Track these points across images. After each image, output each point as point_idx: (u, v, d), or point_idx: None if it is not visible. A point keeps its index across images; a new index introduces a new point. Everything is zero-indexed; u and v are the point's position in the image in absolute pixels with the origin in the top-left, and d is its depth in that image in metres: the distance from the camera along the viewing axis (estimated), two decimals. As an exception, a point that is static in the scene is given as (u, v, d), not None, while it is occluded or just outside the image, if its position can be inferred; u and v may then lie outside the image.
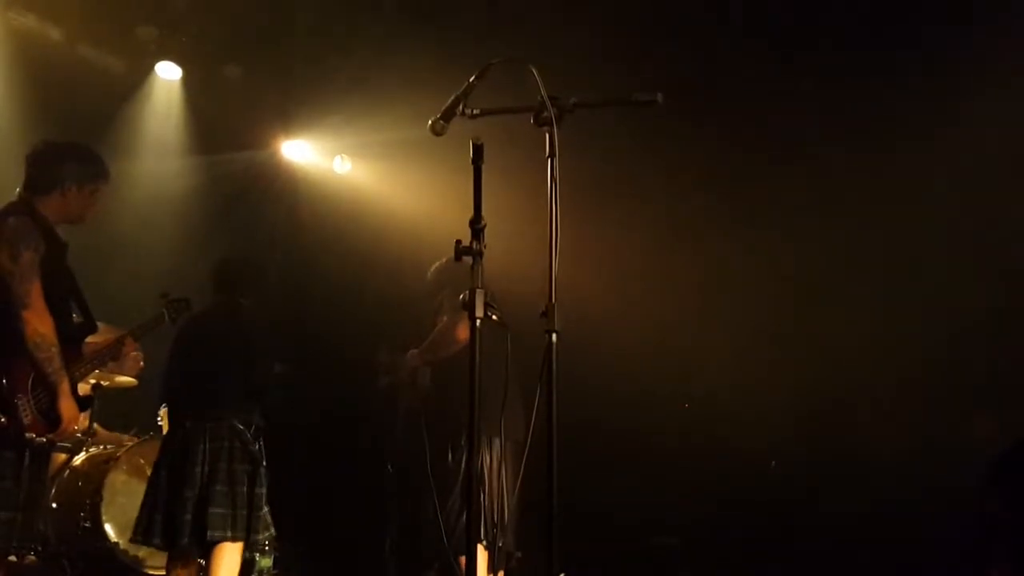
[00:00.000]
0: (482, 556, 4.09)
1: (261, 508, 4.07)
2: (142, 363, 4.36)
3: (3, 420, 3.26)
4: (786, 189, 5.38)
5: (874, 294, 5.24)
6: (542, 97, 2.62)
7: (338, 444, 5.85)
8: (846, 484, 5.01)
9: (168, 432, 4.26)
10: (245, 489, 4.04)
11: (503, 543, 4.16)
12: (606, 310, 5.28)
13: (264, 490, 4.08)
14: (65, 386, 3.40)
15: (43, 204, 3.54)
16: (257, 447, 4.14)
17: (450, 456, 4.32)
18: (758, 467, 5.25)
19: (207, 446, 4.04)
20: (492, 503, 4.17)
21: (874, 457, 4.95)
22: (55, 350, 3.37)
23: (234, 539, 4.00)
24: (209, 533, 3.93)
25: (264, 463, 4.14)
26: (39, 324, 3.34)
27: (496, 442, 4.25)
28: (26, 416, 3.31)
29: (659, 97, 2.71)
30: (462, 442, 4.14)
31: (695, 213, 5.69)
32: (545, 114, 2.62)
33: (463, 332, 4.15)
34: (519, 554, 4.32)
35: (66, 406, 3.39)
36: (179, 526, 3.94)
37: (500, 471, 4.25)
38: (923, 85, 4.92)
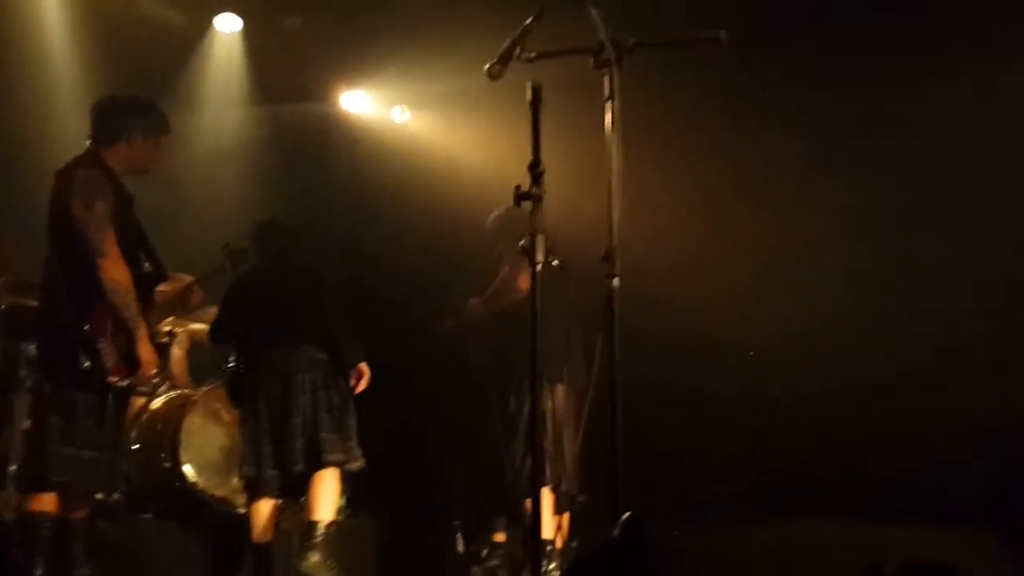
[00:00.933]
0: (547, 500, 4.17)
1: (353, 437, 4.27)
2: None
3: (87, 364, 3.40)
4: (853, 129, 5.22)
5: (953, 239, 5.06)
6: (601, 38, 2.58)
7: (406, 391, 5.95)
8: (912, 437, 4.93)
9: (249, 369, 4.35)
10: (345, 419, 4.24)
11: (566, 487, 4.22)
12: (668, 254, 5.23)
13: (354, 421, 4.26)
14: (143, 331, 3.54)
15: (109, 155, 3.64)
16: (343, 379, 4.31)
17: (513, 402, 4.36)
18: (823, 417, 5.19)
19: (305, 376, 4.19)
20: (555, 448, 4.22)
21: (948, 412, 4.84)
22: (131, 296, 3.50)
23: (344, 463, 4.18)
24: (323, 457, 4.11)
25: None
26: (115, 271, 3.46)
27: (559, 388, 4.29)
28: (108, 360, 3.45)
29: (723, 35, 2.65)
30: (524, 388, 4.18)
31: (760, 154, 5.56)
32: (604, 55, 2.58)
33: (524, 281, 4.15)
34: (583, 497, 4.37)
35: (144, 350, 3.53)
36: (292, 453, 4.11)
37: (562, 416, 4.29)
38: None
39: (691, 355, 5.52)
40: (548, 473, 4.13)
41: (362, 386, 4.37)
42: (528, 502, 4.06)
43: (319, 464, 4.14)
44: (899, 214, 5.23)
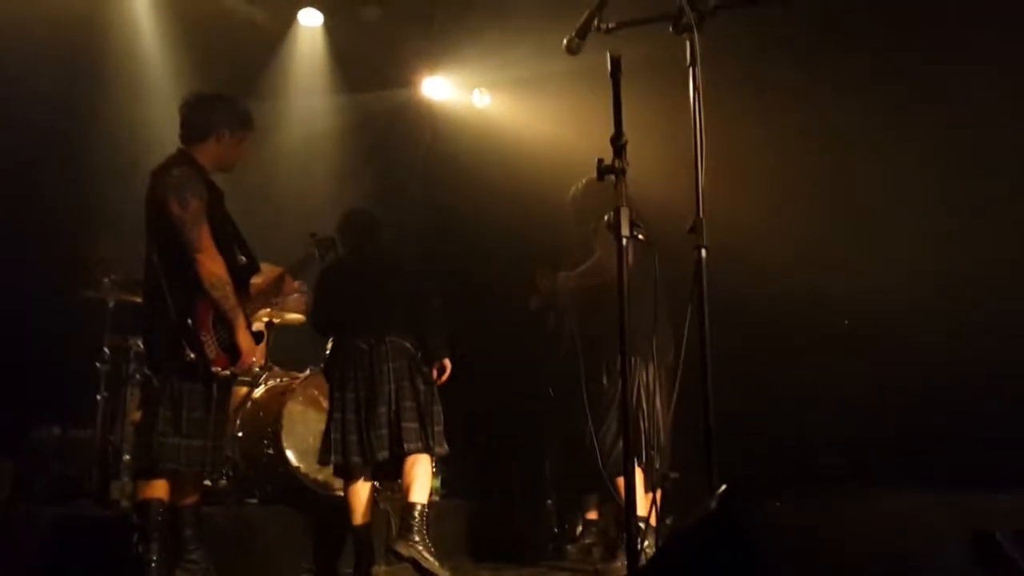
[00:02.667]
0: (639, 478, 4.14)
1: (439, 423, 4.31)
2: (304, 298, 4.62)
3: (192, 356, 3.53)
4: (941, 85, 4.98)
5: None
6: (681, 2, 2.52)
7: (496, 370, 5.99)
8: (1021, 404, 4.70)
9: (339, 358, 4.43)
10: (430, 407, 4.30)
11: (659, 464, 4.17)
12: (757, 221, 5.11)
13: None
14: (241, 321, 3.65)
15: (199, 152, 3.74)
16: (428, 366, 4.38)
17: (604, 379, 4.34)
18: (926, 383, 4.99)
19: (391, 365, 4.27)
20: (647, 425, 4.18)
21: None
22: (229, 288, 3.61)
23: (426, 451, 4.25)
24: (405, 446, 4.20)
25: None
26: (212, 265, 3.57)
27: (650, 365, 4.25)
28: (211, 352, 3.57)
29: (806, -8, 2.56)
30: (615, 365, 4.16)
31: (847, 118, 5.36)
32: (685, 20, 2.52)
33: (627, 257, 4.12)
34: (675, 475, 4.32)
35: (244, 340, 3.64)
36: (376, 441, 4.20)
37: (654, 393, 4.25)
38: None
39: (785, 324, 5.38)
40: (640, 451, 4.11)
41: (443, 379, 4.42)
42: (620, 480, 4.06)
43: (401, 452, 4.22)
44: (993, 171, 4.98)
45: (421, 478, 4.20)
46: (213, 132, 3.75)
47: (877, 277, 5.14)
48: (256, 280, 3.96)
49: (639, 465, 4.09)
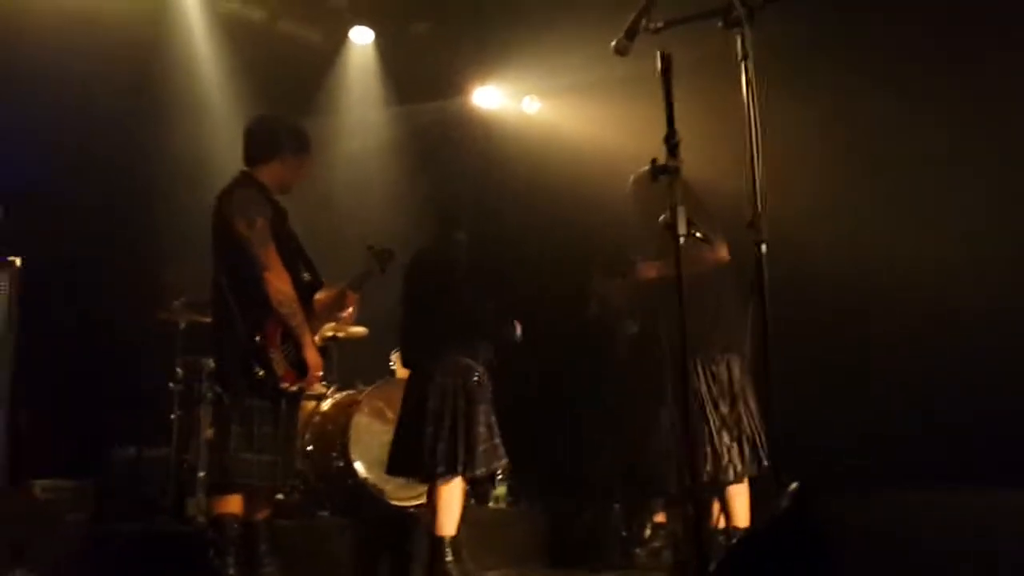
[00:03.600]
0: (744, 489, 4.09)
1: (479, 444, 4.08)
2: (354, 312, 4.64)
3: (261, 373, 3.59)
4: (1002, 78, 4.84)
5: None
6: (730, -3, 2.49)
7: (559, 378, 5.98)
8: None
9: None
10: (462, 425, 4.08)
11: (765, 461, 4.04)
12: (818, 214, 5.02)
13: (483, 427, 4.08)
14: (308, 338, 3.71)
15: (262, 174, 3.83)
16: (477, 381, 4.17)
17: (698, 377, 4.20)
18: (996, 378, 4.83)
19: (435, 382, 4.16)
20: (751, 422, 4.10)
21: None
22: (296, 306, 3.67)
23: (451, 474, 4.05)
24: (437, 467, 4.05)
25: (488, 399, 4.19)
26: (280, 283, 3.64)
27: (735, 359, 4.16)
28: (279, 368, 3.63)
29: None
30: (699, 359, 4.09)
31: (904, 107, 5.23)
32: (735, 14, 2.50)
33: (724, 252, 4.07)
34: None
35: (311, 356, 3.71)
36: (420, 459, 4.12)
37: (740, 389, 4.16)
38: None
39: (850, 319, 5.26)
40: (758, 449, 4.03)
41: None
42: (730, 489, 4.01)
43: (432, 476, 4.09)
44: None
45: (440, 505, 4.03)
46: (277, 154, 3.83)
47: (942, 269, 5.01)
48: (319, 296, 4.02)
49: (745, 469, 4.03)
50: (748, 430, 4.09)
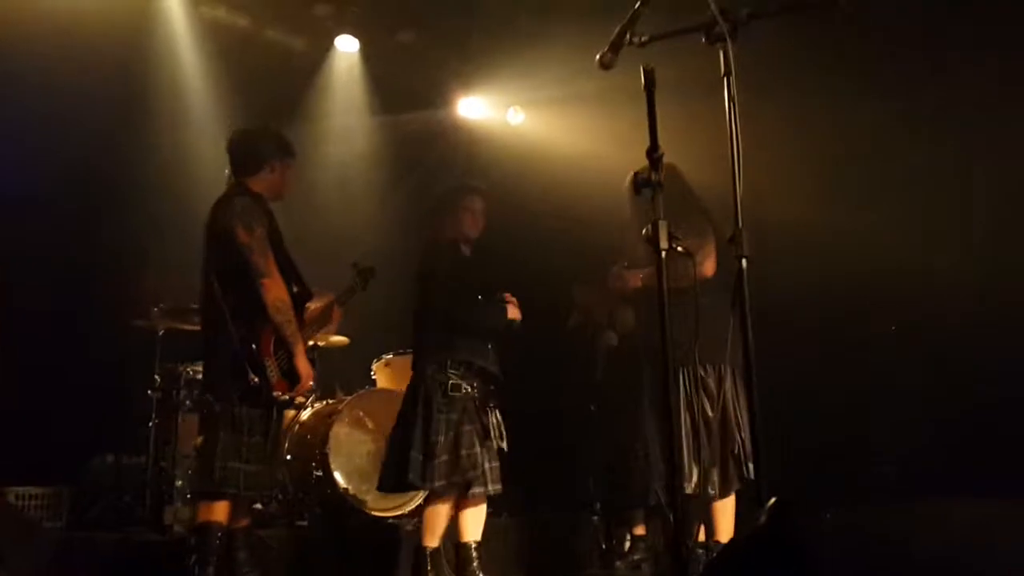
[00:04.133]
0: (730, 504, 4.08)
1: (437, 455, 3.83)
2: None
3: (256, 380, 3.58)
4: (983, 90, 4.90)
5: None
6: (713, 12, 2.51)
7: (537, 388, 5.97)
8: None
9: None
10: (418, 433, 3.87)
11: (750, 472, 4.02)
12: (801, 228, 5.06)
13: (442, 437, 3.84)
14: (300, 347, 3.71)
15: (254, 184, 3.84)
16: (443, 389, 3.90)
17: (683, 388, 4.19)
18: (980, 391, 4.88)
19: (409, 389, 4.04)
20: (743, 435, 4.08)
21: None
22: (292, 314, 3.68)
23: (412, 486, 3.94)
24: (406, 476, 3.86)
25: (461, 408, 3.92)
26: (278, 291, 3.65)
27: (725, 370, 4.14)
28: (272, 376, 3.63)
29: (841, -3, 2.53)
30: (684, 369, 4.08)
31: (881, 123, 5.29)
32: (717, 30, 2.51)
33: (708, 268, 4.05)
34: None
35: (303, 365, 3.71)
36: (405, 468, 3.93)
37: (734, 396, 4.14)
38: None
39: (832, 330, 5.30)
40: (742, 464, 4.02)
41: None
42: (715, 504, 4.01)
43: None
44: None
45: (424, 518, 3.94)
46: (264, 163, 3.85)
47: (924, 279, 5.06)
48: (309, 306, 4.02)
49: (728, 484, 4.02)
50: (734, 443, 4.08)
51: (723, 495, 4.07)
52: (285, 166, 3.92)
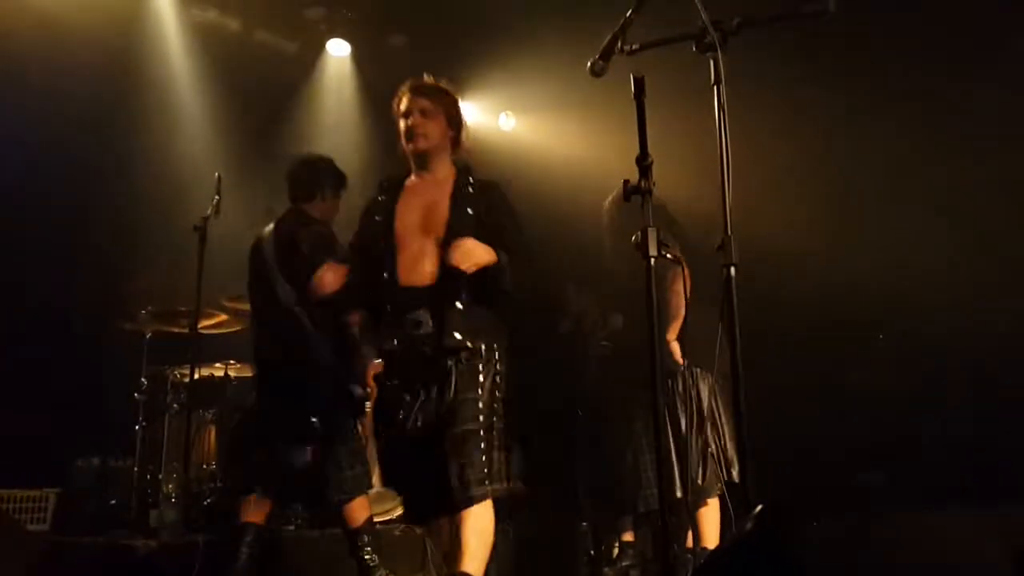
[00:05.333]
0: (714, 507, 4.09)
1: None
2: None
3: (361, 392, 3.68)
4: (971, 104, 4.94)
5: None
6: (703, 21, 2.52)
7: (525, 394, 5.96)
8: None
9: None
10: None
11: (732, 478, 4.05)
12: (791, 237, 5.08)
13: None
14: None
15: (310, 210, 4.08)
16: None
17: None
18: (964, 400, 4.91)
19: None
20: (722, 440, 4.10)
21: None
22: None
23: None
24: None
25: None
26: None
27: (708, 377, 4.16)
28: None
29: (831, 5, 2.53)
30: (671, 382, 4.10)
31: (872, 131, 5.32)
32: (708, 39, 2.52)
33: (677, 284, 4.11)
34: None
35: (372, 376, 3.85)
36: None
37: (714, 403, 4.16)
38: None
39: (820, 339, 5.32)
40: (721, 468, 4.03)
41: None
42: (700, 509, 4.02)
43: None
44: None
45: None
46: (318, 192, 4.10)
47: (912, 289, 5.08)
48: None
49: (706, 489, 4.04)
50: (713, 449, 4.09)
51: (699, 500, 4.09)
52: (337, 197, 4.18)
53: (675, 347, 4.17)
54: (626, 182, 2.58)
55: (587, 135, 5.93)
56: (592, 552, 5.04)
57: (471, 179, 3.41)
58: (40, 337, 5.19)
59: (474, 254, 3.14)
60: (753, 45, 2.66)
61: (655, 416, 2.65)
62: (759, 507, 2.14)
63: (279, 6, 6.05)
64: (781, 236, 4.96)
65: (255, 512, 3.79)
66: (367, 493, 3.91)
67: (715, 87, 2.52)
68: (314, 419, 3.78)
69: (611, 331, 4.62)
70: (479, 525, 3.14)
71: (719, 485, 4.08)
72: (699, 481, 4.08)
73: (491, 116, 7.05)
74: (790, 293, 5.11)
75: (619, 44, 2.70)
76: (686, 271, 3.97)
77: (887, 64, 5.20)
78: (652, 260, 2.57)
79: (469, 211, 3.29)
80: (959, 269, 4.98)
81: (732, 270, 2.44)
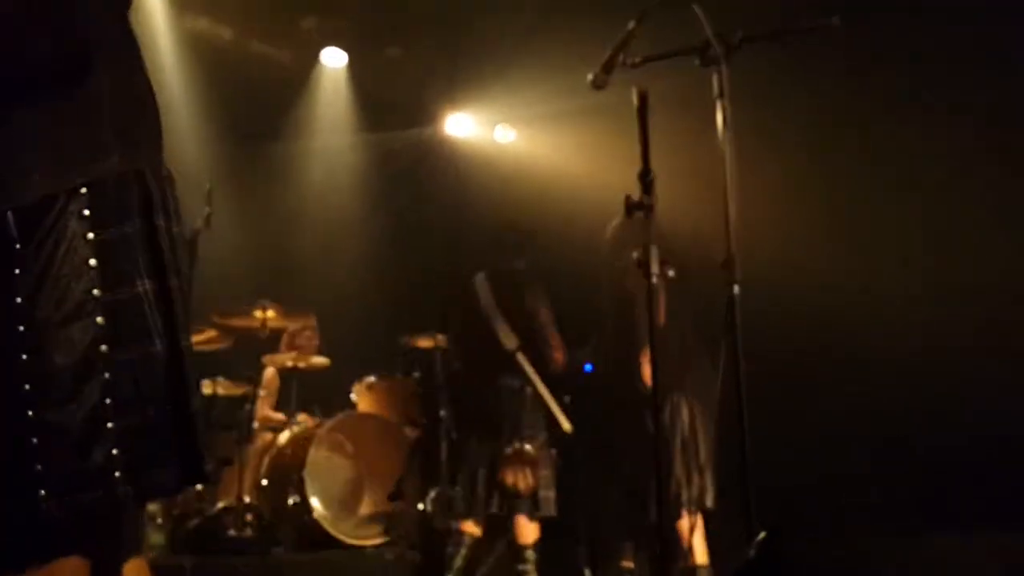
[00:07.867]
0: (698, 523, 4.03)
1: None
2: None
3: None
4: (977, 117, 4.90)
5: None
6: (707, 35, 2.47)
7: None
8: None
9: None
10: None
11: (711, 503, 4.03)
12: (792, 256, 5.02)
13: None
14: None
15: None
16: None
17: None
18: (963, 425, 4.84)
19: None
20: (691, 464, 4.06)
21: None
22: None
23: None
24: None
25: None
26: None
27: (688, 400, 4.12)
28: None
29: (836, 20, 2.49)
30: (667, 404, 4.04)
31: (879, 148, 5.28)
32: (711, 52, 2.47)
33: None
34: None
35: None
36: None
37: (690, 431, 4.11)
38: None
39: (821, 362, 5.25)
40: (688, 493, 3.98)
41: None
42: (680, 523, 3.96)
43: None
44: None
45: None
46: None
47: (914, 314, 5.02)
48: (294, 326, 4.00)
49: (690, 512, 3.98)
50: (689, 470, 4.06)
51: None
52: None
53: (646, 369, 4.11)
54: (627, 197, 2.53)
55: (586, 147, 5.87)
56: (589, 576, 4.94)
57: None
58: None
59: None
60: (754, 60, 2.61)
61: (655, 437, 2.59)
62: (762, 534, 2.09)
63: (273, 15, 5.98)
64: (781, 252, 4.90)
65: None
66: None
67: (718, 101, 2.48)
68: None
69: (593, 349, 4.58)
70: None
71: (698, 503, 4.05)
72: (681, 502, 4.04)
73: (488, 128, 7.00)
74: (790, 311, 5.05)
75: (621, 57, 2.65)
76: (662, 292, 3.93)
77: (890, 80, 5.16)
78: (653, 279, 2.51)
79: None
80: (970, 289, 4.92)
81: (736, 288, 2.39)
